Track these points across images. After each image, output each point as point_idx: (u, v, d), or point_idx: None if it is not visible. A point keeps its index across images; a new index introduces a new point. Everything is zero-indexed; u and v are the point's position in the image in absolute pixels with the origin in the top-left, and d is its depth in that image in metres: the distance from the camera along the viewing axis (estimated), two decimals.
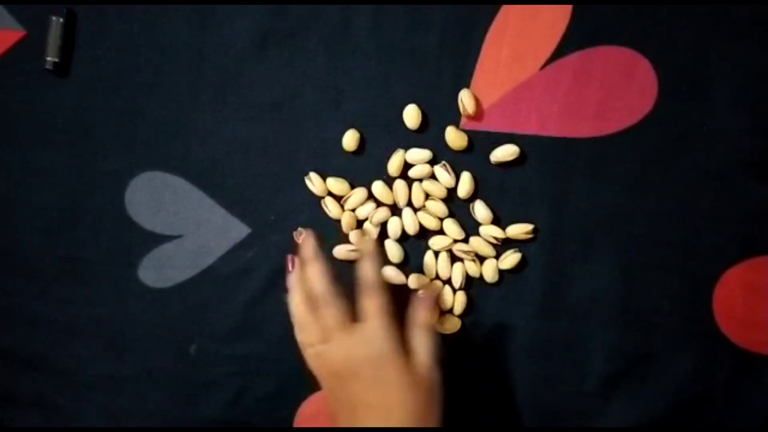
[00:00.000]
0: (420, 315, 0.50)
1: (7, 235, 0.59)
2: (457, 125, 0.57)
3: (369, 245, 0.52)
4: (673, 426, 0.57)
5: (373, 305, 0.49)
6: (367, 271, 0.50)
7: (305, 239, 0.52)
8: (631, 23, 0.56)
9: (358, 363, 0.48)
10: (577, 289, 0.57)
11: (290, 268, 0.52)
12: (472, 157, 0.57)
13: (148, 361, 0.59)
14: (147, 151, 0.59)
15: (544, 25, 0.56)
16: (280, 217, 0.58)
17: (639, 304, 0.56)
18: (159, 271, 0.59)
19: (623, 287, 0.56)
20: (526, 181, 0.57)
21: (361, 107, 0.58)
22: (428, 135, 0.57)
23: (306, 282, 0.51)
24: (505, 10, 0.56)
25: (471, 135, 0.57)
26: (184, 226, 0.59)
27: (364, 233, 0.56)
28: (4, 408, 0.60)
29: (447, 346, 0.58)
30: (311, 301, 0.50)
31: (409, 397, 0.47)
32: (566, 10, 0.56)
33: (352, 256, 0.57)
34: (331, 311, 0.49)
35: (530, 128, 0.57)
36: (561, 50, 0.56)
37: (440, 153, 0.57)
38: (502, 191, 0.57)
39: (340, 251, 0.57)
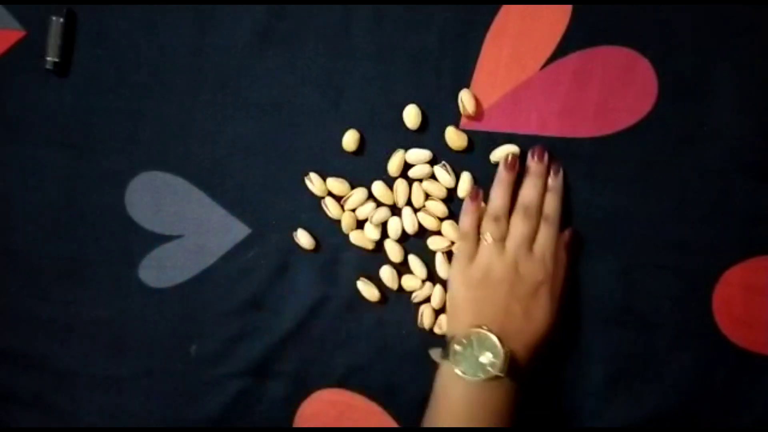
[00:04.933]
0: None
1: (7, 235, 0.59)
2: (457, 125, 0.57)
3: (560, 182, 0.55)
4: (673, 426, 0.56)
5: (547, 234, 0.54)
6: (551, 203, 0.55)
7: (541, 154, 0.55)
8: (631, 23, 0.56)
9: (521, 276, 0.52)
10: (578, 289, 0.57)
11: (510, 168, 0.55)
12: (472, 157, 0.57)
13: (148, 361, 0.59)
14: (147, 151, 0.59)
15: (544, 25, 0.56)
16: (280, 217, 0.58)
17: (639, 303, 0.56)
18: (159, 271, 0.59)
19: (623, 287, 0.56)
20: None
21: (361, 107, 0.58)
22: (428, 135, 0.57)
23: (522, 188, 0.55)
24: (505, 10, 0.56)
25: (471, 135, 0.57)
26: (184, 226, 0.59)
27: (556, 169, 0.56)
28: (4, 408, 0.60)
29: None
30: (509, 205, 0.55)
31: (549, 321, 0.53)
32: (566, 10, 0.56)
33: (552, 182, 0.56)
34: (528, 224, 0.53)
35: (530, 128, 0.57)
36: (561, 50, 0.56)
37: (440, 153, 0.57)
38: None
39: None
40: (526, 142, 0.56)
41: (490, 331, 0.50)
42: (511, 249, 0.53)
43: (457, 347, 0.50)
